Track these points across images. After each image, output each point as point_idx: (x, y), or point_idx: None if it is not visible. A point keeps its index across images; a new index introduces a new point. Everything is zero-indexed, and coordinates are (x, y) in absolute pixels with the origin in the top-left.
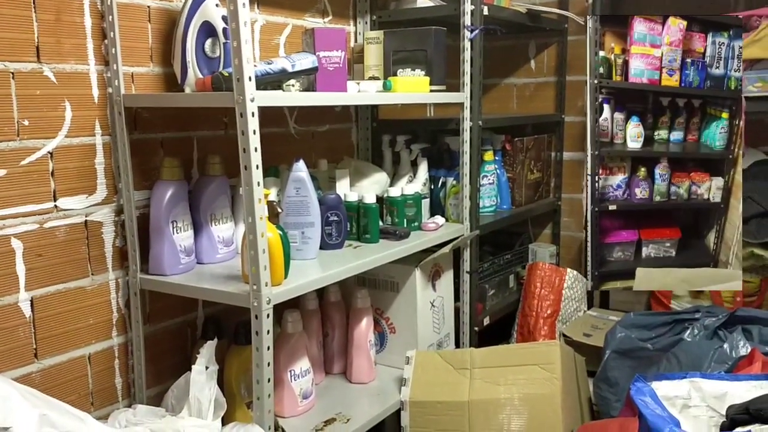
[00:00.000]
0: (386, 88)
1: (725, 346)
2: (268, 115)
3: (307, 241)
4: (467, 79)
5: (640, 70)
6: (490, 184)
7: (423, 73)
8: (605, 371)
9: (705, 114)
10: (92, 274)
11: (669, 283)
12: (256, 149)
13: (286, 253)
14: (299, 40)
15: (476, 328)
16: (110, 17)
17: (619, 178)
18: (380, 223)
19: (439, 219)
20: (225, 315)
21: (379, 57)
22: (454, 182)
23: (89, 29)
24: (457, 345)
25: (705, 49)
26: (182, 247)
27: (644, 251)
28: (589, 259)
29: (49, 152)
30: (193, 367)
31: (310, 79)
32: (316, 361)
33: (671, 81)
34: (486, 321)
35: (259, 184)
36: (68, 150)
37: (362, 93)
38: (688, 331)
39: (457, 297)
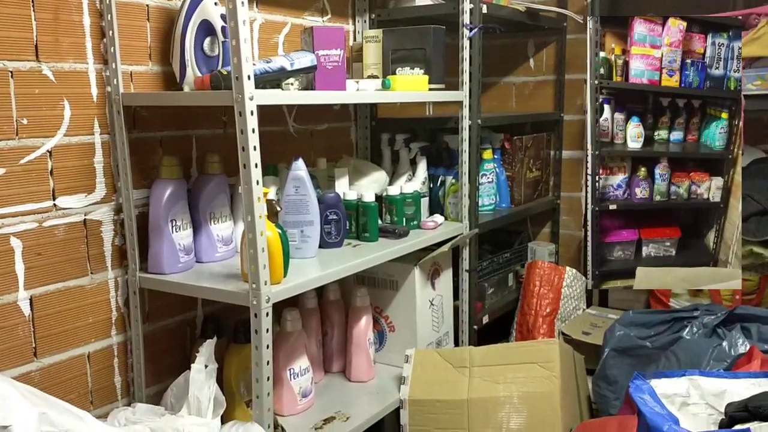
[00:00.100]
0: (385, 86)
1: (724, 344)
2: (266, 113)
3: (306, 240)
4: (466, 77)
5: (640, 71)
6: (489, 182)
7: (422, 71)
8: (604, 369)
9: (705, 114)
10: (91, 273)
11: (669, 282)
12: (255, 148)
13: (285, 252)
14: (298, 39)
15: (475, 327)
16: (109, 16)
17: (619, 178)
18: (379, 222)
19: (438, 218)
20: (224, 314)
21: (378, 56)
22: (453, 181)
23: (88, 28)
24: (456, 343)
25: (705, 50)
26: (181, 246)
27: (644, 251)
28: (589, 258)
29: (48, 151)
30: (192, 365)
31: (309, 77)
32: (315, 359)
33: (671, 81)
34: (485, 319)
35: (258, 182)
36: (67, 149)
37: (361, 92)
38: (687, 329)
39: (456, 295)
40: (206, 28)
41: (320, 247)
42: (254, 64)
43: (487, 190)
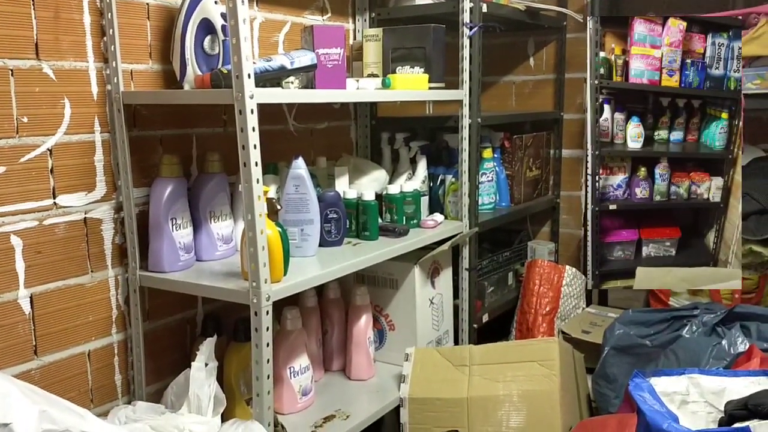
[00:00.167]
0: (385, 85)
1: (723, 342)
2: (267, 112)
3: (306, 239)
4: (466, 76)
5: (640, 71)
6: (489, 181)
7: (422, 70)
8: (604, 368)
9: (705, 114)
10: (92, 271)
11: (669, 282)
12: (255, 146)
13: (285, 250)
14: (298, 38)
15: (475, 326)
16: (109, 14)
17: (619, 178)
18: (379, 221)
19: (438, 216)
20: (224, 312)
21: (378, 54)
22: (453, 180)
23: (88, 26)
24: (456, 342)
25: (705, 50)
26: (181, 245)
27: (644, 250)
28: (589, 258)
29: (48, 149)
30: (192, 363)
31: (309, 76)
32: (315, 358)
33: (671, 81)
34: (485, 318)
35: (258, 181)
36: (67, 147)
37: (361, 90)
38: (687, 328)
39: (456, 294)
40: (206, 27)
41: (320, 245)
42: (254, 63)
43: (487, 189)
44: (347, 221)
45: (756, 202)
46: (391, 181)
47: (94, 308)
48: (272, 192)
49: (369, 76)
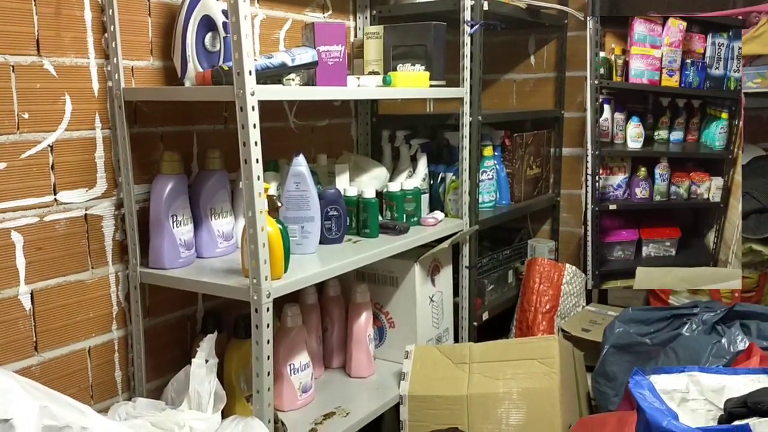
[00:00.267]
0: (386, 83)
1: (723, 340)
2: (267, 109)
3: (306, 236)
4: (467, 74)
5: (640, 71)
6: (489, 179)
7: (423, 68)
8: (604, 366)
9: (705, 114)
10: (92, 268)
11: (669, 282)
12: (256, 143)
13: (285, 248)
14: (299, 35)
15: (475, 323)
16: (110, 11)
17: (619, 178)
18: (380, 218)
19: (439, 214)
20: (225, 309)
21: (378, 52)
22: (454, 177)
23: (89, 23)
24: (456, 340)
25: (705, 50)
26: (182, 241)
27: (644, 250)
28: (589, 258)
29: (49, 146)
30: (193, 360)
31: (310, 73)
32: (315, 355)
33: (671, 81)
34: (485, 316)
35: (259, 178)
36: (68, 143)
37: (362, 88)
38: (687, 326)
39: (456, 292)
40: (207, 24)
41: (320, 243)
42: (255, 60)
43: (488, 187)
44: (347, 219)
45: (756, 201)
46: (391, 179)
47: (95, 305)
48: (273, 189)
49: (370, 73)
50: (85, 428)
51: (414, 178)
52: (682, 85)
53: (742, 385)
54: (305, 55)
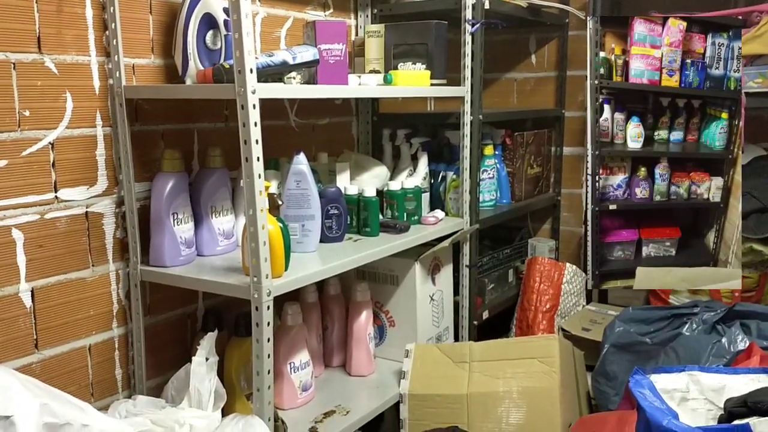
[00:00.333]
0: (387, 81)
1: (723, 340)
2: (268, 107)
3: (307, 234)
4: (468, 73)
5: (640, 71)
6: (490, 178)
7: (424, 66)
8: (604, 365)
9: (705, 114)
10: (93, 266)
11: (669, 282)
12: (257, 141)
13: (286, 246)
14: (300, 33)
15: (475, 322)
16: (111, 8)
17: (619, 178)
18: (380, 217)
19: (439, 213)
20: (225, 307)
21: (379, 50)
22: (454, 176)
23: (90, 20)
24: (456, 339)
25: (705, 50)
26: (183, 239)
27: (644, 250)
28: (589, 258)
29: (50, 143)
30: (193, 358)
31: (311, 71)
32: (315, 353)
33: (671, 81)
34: (485, 315)
35: (260, 176)
36: (69, 141)
37: (363, 86)
38: (687, 326)
39: (456, 291)
40: (209, 22)
41: (321, 241)
42: (257, 58)
43: (488, 186)
44: (348, 217)
45: (756, 201)
46: (392, 178)
47: (95, 302)
48: (273, 187)
49: (371, 72)
50: (86, 425)
51: (415, 177)
52: (682, 85)
53: (742, 384)
54: (306, 54)
